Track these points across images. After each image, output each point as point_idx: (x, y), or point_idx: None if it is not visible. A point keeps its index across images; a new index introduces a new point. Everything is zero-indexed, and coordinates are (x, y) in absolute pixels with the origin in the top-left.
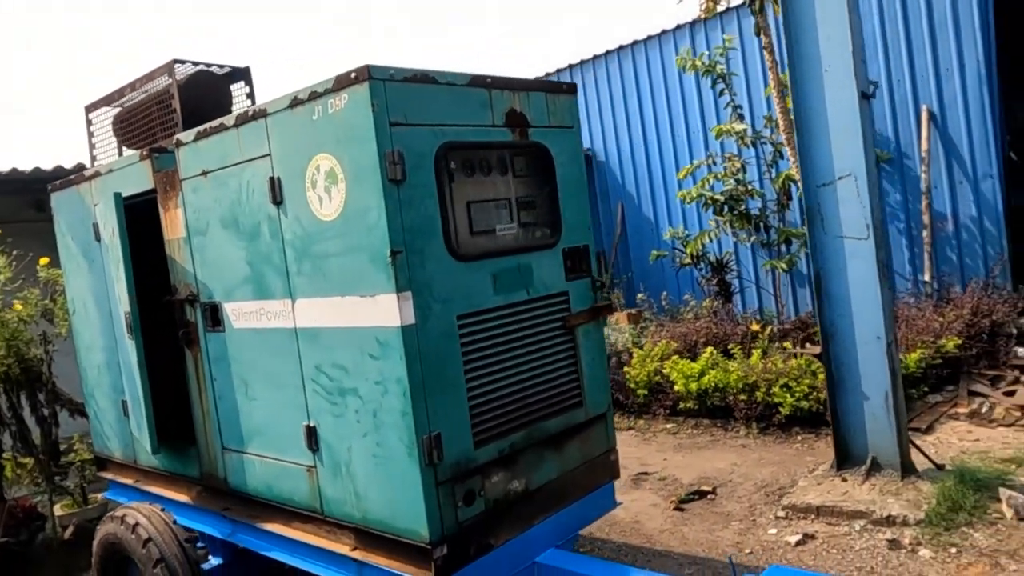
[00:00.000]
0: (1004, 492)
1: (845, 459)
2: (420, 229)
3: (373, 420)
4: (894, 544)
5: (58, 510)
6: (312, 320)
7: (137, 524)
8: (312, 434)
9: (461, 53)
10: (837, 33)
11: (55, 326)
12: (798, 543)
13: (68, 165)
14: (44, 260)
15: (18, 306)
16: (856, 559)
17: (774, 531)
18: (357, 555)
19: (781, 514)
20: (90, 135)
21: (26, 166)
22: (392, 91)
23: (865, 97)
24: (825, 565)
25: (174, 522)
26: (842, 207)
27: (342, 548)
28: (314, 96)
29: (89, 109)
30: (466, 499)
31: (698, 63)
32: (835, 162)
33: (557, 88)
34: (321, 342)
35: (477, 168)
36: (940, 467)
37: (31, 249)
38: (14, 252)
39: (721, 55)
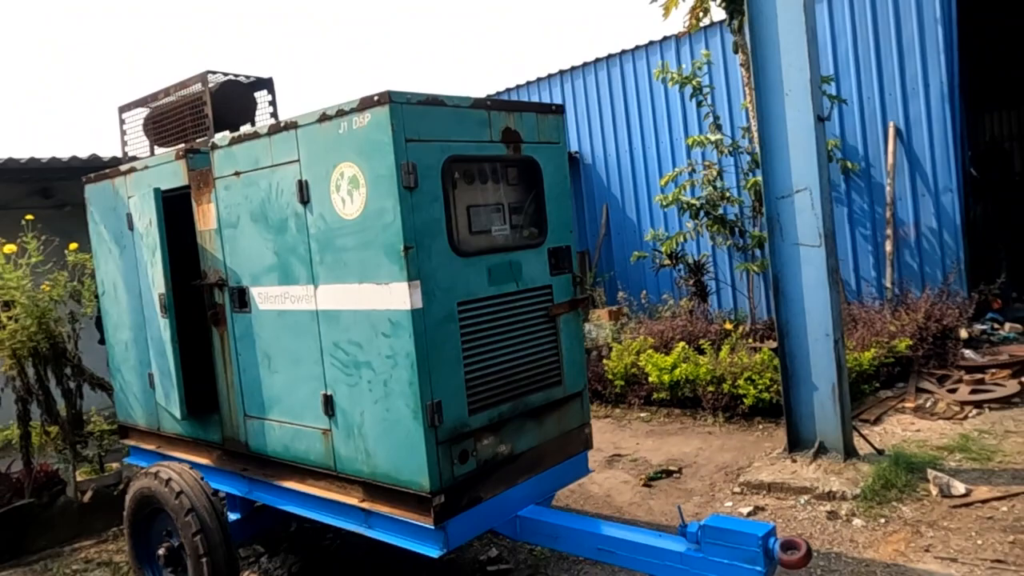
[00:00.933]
0: (931, 473)
1: (796, 443)
2: (428, 229)
3: (384, 389)
4: (832, 515)
5: (78, 476)
6: (332, 303)
7: (170, 479)
8: (329, 401)
9: (470, 52)
10: (797, 62)
11: (82, 306)
12: (749, 514)
13: (83, 155)
14: (73, 245)
15: (46, 287)
16: (798, 527)
17: (730, 504)
18: (365, 505)
19: (737, 490)
20: (123, 133)
21: (43, 155)
22: (408, 112)
23: (820, 120)
24: None
25: (201, 478)
26: (798, 217)
27: (352, 500)
28: (341, 113)
29: (123, 109)
30: (461, 457)
31: (676, 75)
32: (793, 177)
33: (546, 109)
34: (340, 322)
35: (476, 177)
36: (880, 452)
37: (39, 234)
38: (43, 237)
39: (699, 69)
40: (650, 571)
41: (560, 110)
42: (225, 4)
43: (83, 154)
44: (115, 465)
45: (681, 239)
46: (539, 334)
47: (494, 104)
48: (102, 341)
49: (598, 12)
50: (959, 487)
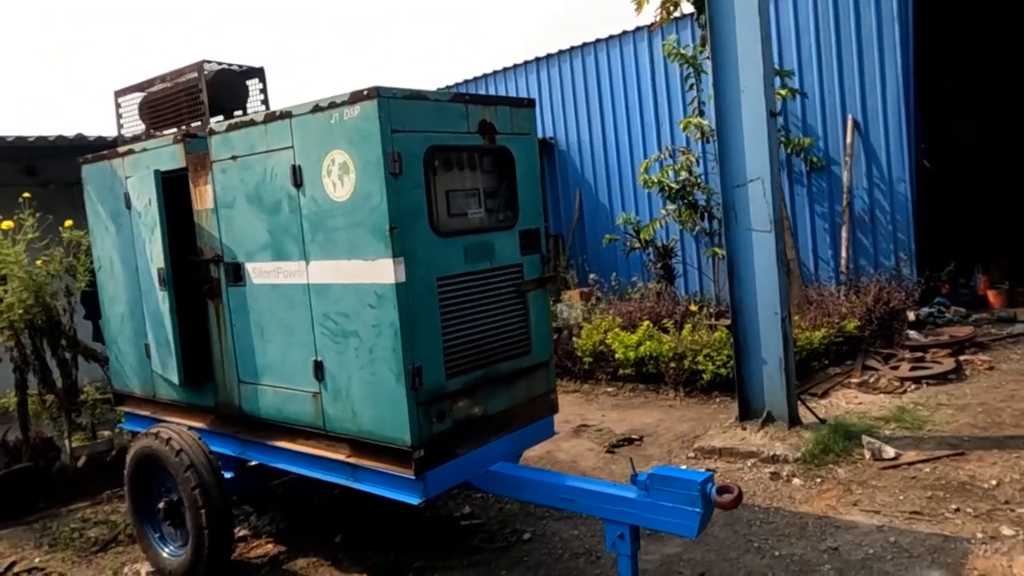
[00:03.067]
0: (866, 439)
1: (747, 413)
2: (410, 211)
3: (369, 355)
4: (775, 476)
5: (72, 443)
6: (322, 278)
7: (170, 438)
8: (319, 367)
9: (445, 41)
10: (752, 61)
11: (77, 281)
12: None
13: (69, 135)
14: (68, 223)
15: (41, 262)
16: (744, 487)
17: (684, 467)
18: (352, 460)
19: (691, 455)
20: (119, 116)
21: (29, 135)
22: (394, 106)
23: (772, 115)
24: None
25: (199, 438)
26: (751, 205)
27: (339, 456)
28: (333, 105)
29: (119, 94)
30: (438, 417)
31: (682, 51)
32: (748, 167)
33: (519, 103)
34: (329, 295)
35: (455, 165)
36: (822, 421)
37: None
38: (37, 215)
39: (700, 52)
40: (606, 516)
41: (532, 104)
42: (225, 4)
43: (69, 133)
44: (107, 433)
45: (657, 226)
46: (510, 308)
47: (472, 98)
48: (87, 316)
49: (598, 11)
50: (889, 451)
